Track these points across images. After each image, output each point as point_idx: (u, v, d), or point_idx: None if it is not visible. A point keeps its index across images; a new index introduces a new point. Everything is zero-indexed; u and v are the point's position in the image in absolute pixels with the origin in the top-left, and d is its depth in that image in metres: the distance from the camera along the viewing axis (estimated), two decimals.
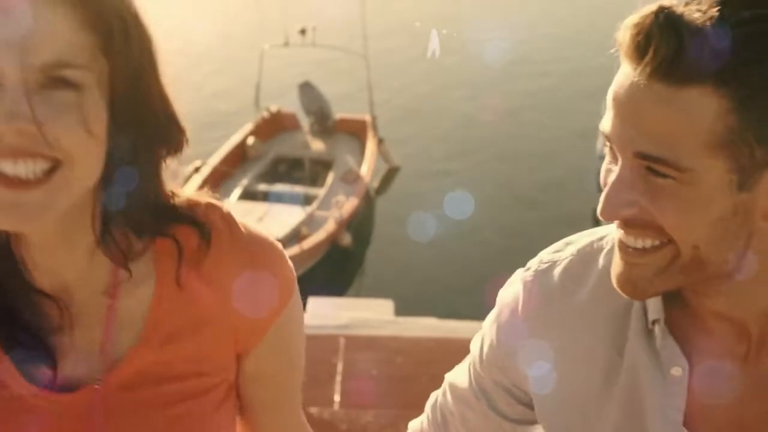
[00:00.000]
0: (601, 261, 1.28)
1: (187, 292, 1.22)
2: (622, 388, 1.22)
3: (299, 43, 16.18)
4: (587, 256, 1.29)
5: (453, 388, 1.54)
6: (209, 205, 1.25)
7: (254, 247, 1.26)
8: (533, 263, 1.35)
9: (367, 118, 16.19)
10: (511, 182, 15.40)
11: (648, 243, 1.10)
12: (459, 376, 1.53)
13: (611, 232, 1.27)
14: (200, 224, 1.22)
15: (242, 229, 1.26)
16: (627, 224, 1.11)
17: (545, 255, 1.34)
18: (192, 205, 1.23)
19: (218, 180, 14.33)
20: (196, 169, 14.18)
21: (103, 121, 1.06)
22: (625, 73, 1.05)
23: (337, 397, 6.76)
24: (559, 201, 14.57)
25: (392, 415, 5.23)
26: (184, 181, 13.85)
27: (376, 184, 15.67)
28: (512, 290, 1.36)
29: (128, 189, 1.12)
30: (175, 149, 1.17)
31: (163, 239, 1.20)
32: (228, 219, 1.26)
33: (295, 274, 1.31)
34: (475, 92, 19.79)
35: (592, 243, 1.30)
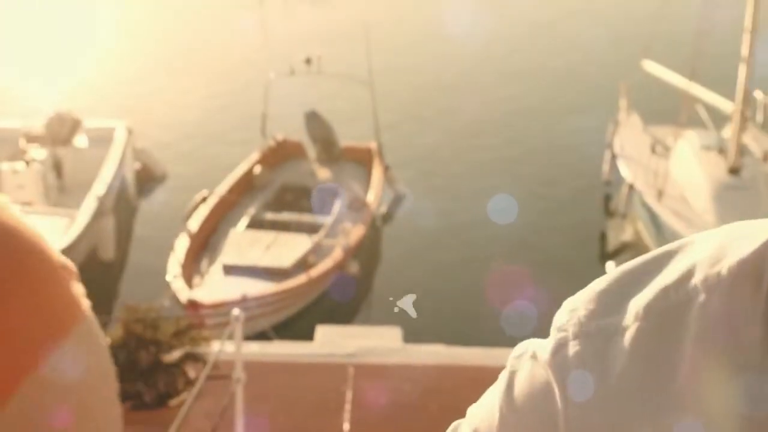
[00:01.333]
0: (693, 323, 0.70)
1: None
2: None
3: (305, 72, 16.25)
4: (666, 317, 0.71)
5: None
6: None
7: None
8: (562, 335, 0.75)
9: (373, 145, 16.24)
10: (519, 210, 15.38)
11: None
12: None
13: (695, 264, 0.72)
14: None
15: None
16: None
17: (586, 321, 0.74)
18: None
19: (225, 209, 14.38)
20: (204, 199, 14.24)
21: None
22: None
23: (346, 426, 6.73)
24: (567, 233, 14.51)
25: None
26: (192, 209, 13.93)
27: (383, 211, 15.69)
28: (530, 382, 0.77)
29: None
30: None
31: None
32: None
33: (80, 290, 0.68)
34: (482, 118, 19.82)
35: (666, 292, 0.72)
